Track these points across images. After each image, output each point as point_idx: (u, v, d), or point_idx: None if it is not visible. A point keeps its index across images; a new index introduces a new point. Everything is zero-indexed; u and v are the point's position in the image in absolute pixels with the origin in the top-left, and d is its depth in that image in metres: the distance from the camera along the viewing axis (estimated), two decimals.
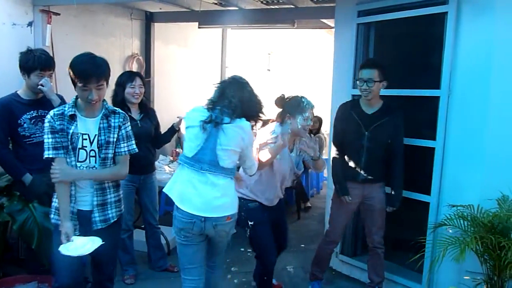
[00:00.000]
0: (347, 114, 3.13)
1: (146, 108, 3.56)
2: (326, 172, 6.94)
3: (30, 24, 4.00)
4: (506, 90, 2.82)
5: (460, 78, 2.95)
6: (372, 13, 3.43)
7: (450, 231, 2.79)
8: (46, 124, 2.22)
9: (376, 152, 3.05)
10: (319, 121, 6.35)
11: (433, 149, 3.09)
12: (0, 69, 3.79)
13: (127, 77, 3.41)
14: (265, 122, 2.93)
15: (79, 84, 2.18)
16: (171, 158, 4.68)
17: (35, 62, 2.88)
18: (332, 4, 3.99)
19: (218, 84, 2.57)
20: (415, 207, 3.25)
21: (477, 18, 2.88)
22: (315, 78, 9.85)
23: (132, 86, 3.37)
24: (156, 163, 4.44)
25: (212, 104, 2.46)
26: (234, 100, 2.42)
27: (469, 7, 2.90)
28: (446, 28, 2.97)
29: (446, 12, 2.96)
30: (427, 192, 3.14)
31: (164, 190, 2.47)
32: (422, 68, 3.42)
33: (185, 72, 6.28)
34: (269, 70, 9.32)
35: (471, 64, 2.92)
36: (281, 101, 3.04)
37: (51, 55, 4.01)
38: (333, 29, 3.87)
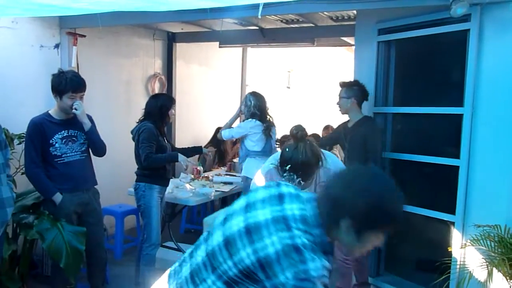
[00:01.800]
0: (341, 127, 3.66)
1: None
2: None
3: (57, 46, 4.14)
4: None
5: (484, 95, 2.91)
6: (393, 31, 3.43)
7: (477, 252, 2.72)
8: None
9: (354, 161, 3.32)
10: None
11: (457, 167, 3.03)
12: (28, 90, 3.92)
13: (171, 101, 3.72)
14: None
15: None
16: (192, 176, 4.71)
17: (68, 84, 2.94)
18: (352, 22, 4.02)
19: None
20: (439, 226, 3.18)
21: (500, 35, 2.84)
22: (335, 96, 9.83)
23: (174, 108, 3.68)
24: (177, 181, 4.49)
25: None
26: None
27: (492, 24, 2.86)
28: (468, 45, 2.94)
29: (469, 30, 2.94)
30: (452, 211, 3.08)
31: None
32: (444, 85, 3.38)
33: (206, 90, 6.36)
34: (288, 87, 9.35)
35: (495, 81, 2.87)
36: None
37: None
38: (353, 47, 3.89)
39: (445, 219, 3.14)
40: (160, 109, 3.53)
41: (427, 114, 3.24)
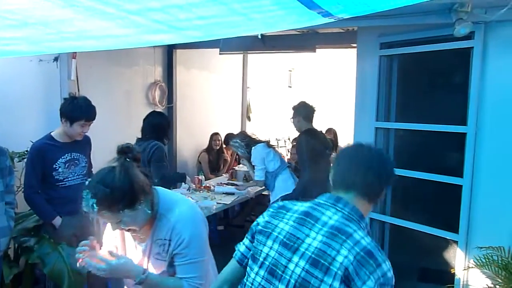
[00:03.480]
0: None
1: None
2: None
3: (56, 59, 4.10)
4: None
5: (488, 114, 2.87)
6: (395, 45, 3.38)
7: (481, 274, 2.71)
8: None
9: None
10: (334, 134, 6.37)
11: (460, 186, 3.01)
12: (28, 105, 3.90)
13: (168, 120, 3.93)
14: None
15: None
16: (194, 186, 4.69)
17: (81, 113, 2.92)
18: (354, 27, 3.94)
19: None
20: (443, 244, 3.17)
21: (505, 53, 2.80)
22: (337, 94, 9.78)
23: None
24: (178, 190, 4.49)
25: None
26: None
27: (496, 42, 2.82)
28: (472, 63, 2.90)
29: (472, 47, 2.89)
30: (456, 230, 3.06)
31: None
32: (448, 102, 3.34)
33: (207, 95, 6.32)
34: (290, 86, 9.31)
35: (499, 99, 2.84)
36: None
37: (77, 88, 4.13)
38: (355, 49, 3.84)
39: (448, 237, 3.12)
40: (164, 127, 3.53)
41: (429, 131, 3.20)
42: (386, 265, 1.30)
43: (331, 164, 1.61)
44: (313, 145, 4.14)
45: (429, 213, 3.37)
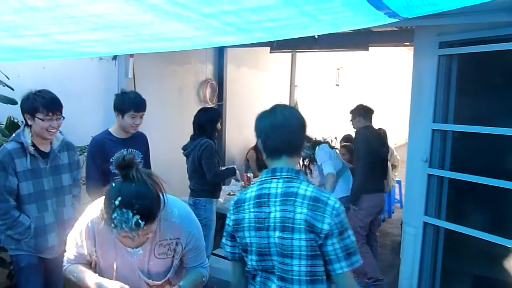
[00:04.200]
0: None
1: None
2: (398, 193, 6.67)
3: (114, 58, 4.26)
4: None
5: None
6: (455, 45, 3.27)
7: None
8: None
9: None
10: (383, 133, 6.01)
11: None
12: (89, 102, 4.07)
13: (219, 114, 3.94)
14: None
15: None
16: (243, 183, 4.76)
17: (131, 104, 3.02)
18: (410, 26, 3.85)
19: None
20: (503, 252, 3.05)
21: None
22: (387, 93, 9.58)
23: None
24: (227, 187, 4.57)
25: None
26: None
27: None
28: None
29: None
30: None
31: None
32: (509, 105, 3.20)
33: (255, 93, 6.37)
34: (338, 85, 9.21)
35: None
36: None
37: (133, 85, 4.28)
38: (410, 47, 3.75)
39: (507, 245, 2.99)
40: (211, 123, 3.60)
41: (490, 134, 3.08)
42: (331, 200, 1.57)
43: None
44: (371, 140, 4.19)
45: (487, 219, 3.25)
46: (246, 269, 1.71)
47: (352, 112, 4.43)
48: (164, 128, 4.65)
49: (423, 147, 3.46)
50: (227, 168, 3.84)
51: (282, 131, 1.62)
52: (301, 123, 1.67)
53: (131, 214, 1.50)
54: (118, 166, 1.64)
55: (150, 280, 1.83)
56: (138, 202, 1.52)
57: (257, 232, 1.59)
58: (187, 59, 5.23)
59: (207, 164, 3.50)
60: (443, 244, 3.55)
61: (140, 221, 1.50)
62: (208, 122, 3.61)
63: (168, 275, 1.86)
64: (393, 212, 6.60)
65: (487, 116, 3.18)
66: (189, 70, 5.29)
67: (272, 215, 1.57)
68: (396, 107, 9.69)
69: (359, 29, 4.71)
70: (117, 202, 1.52)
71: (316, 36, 4.49)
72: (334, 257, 1.53)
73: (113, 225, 1.52)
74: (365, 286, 4.15)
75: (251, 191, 1.65)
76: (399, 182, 6.39)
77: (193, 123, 3.72)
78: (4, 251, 2.89)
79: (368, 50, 4.85)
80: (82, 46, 1.58)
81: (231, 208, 1.71)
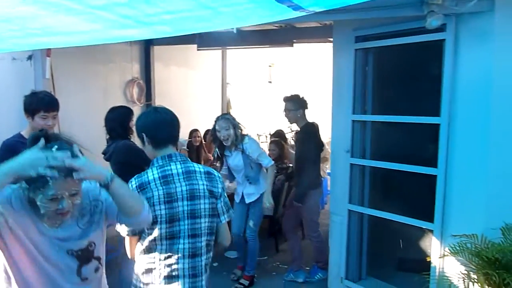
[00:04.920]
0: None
1: None
2: (330, 186, 6.89)
3: (29, 57, 4.03)
4: (506, 116, 2.80)
5: (461, 105, 2.92)
6: (370, 38, 3.41)
7: (456, 261, 2.77)
8: None
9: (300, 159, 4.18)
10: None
11: (435, 176, 3.07)
12: (3, 104, 3.82)
13: (130, 112, 3.49)
14: None
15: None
16: None
17: (39, 103, 2.85)
18: (331, 21, 3.97)
19: None
20: (419, 233, 3.23)
21: (475, 45, 2.85)
22: (317, 89, 9.85)
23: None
24: None
25: None
26: None
27: (467, 34, 2.87)
28: (444, 55, 2.95)
29: (444, 39, 2.94)
30: (431, 219, 3.12)
31: None
32: (422, 94, 3.40)
33: (186, 92, 6.30)
34: (270, 82, 9.33)
35: (471, 91, 2.89)
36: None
37: (52, 87, 4.07)
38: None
39: (424, 227, 3.18)
40: (121, 122, 3.39)
41: (405, 122, 3.25)
42: (214, 171, 2.09)
43: None
44: (317, 135, 4.22)
45: (405, 204, 3.43)
46: (150, 239, 1.93)
47: (290, 103, 4.13)
48: (88, 131, 4.44)
49: (345, 138, 3.59)
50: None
51: (169, 127, 2.03)
52: (178, 121, 2.08)
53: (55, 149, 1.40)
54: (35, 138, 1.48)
55: None
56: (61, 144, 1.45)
57: (168, 204, 1.90)
58: (111, 58, 5.05)
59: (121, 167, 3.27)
60: (368, 230, 3.71)
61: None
62: (118, 122, 3.40)
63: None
64: (325, 204, 6.80)
65: (401, 106, 3.35)
66: (114, 69, 5.12)
67: (178, 189, 1.93)
68: (326, 101, 9.97)
69: (284, 25, 4.81)
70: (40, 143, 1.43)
71: (235, 31, 4.48)
72: (221, 211, 2.08)
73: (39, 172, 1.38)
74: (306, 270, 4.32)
75: (152, 174, 1.95)
76: (330, 175, 6.58)
77: (104, 125, 3.42)
78: None
79: (292, 46, 4.96)
80: None
81: (157, 185, 1.92)
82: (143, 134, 2.02)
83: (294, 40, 4.91)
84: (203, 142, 6.03)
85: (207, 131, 5.92)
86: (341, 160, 3.65)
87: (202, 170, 2.03)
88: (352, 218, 3.65)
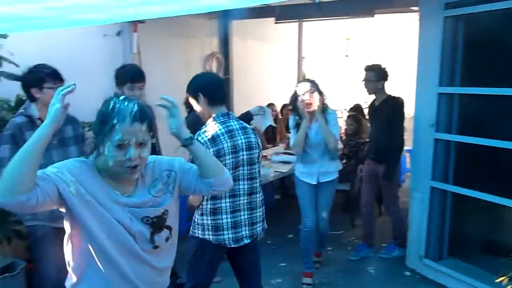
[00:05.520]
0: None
1: None
2: (410, 163, 6.65)
3: (118, 33, 4.25)
4: None
5: None
6: (462, 5, 3.19)
7: None
8: None
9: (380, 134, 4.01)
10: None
11: None
12: (94, 79, 4.08)
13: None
14: None
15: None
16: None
17: (126, 75, 3.04)
18: None
19: None
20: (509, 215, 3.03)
21: None
22: (397, 62, 9.42)
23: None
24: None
25: None
26: None
27: None
28: None
29: None
30: None
31: None
32: None
33: (262, 66, 6.33)
34: (347, 56, 9.07)
35: None
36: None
37: (139, 60, 4.28)
38: (417, 13, 3.66)
39: None
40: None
41: (497, 95, 3.03)
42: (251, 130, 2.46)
43: None
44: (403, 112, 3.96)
45: (496, 182, 3.22)
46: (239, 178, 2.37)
47: (372, 73, 3.90)
48: None
49: (429, 111, 3.43)
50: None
51: (223, 87, 2.39)
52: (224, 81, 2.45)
53: (132, 104, 1.45)
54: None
55: None
56: (139, 103, 1.48)
57: (234, 154, 2.29)
58: (191, 33, 5.19)
59: None
60: (451, 208, 3.55)
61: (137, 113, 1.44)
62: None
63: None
64: (403, 182, 6.56)
65: (493, 78, 3.11)
66: (195, 44, 5.26)
67: (240, 142, 2.33)
68: (407, 76, 9.54)
69: None
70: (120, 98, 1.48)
71: (317, 1, 4.36)
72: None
73: (113, 114, 1.43)
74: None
75: (219, 129, 2.29)
76: (409, 152, 6.33)
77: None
78: (20, 224, 2.97)
79: (373, 16, 4.76)
80: (75, 13, 1.57)
81: (208, 143, 2.24)
82: (200, 93, 2.31)
83: (376, 10, 4.70)
84: (279, 117, 6.05)
85: (284, 105, 5.92)
86: (425, 135, 3.50)
87: (248, 126, 2.44)
88: (435, 195, 3.51)
